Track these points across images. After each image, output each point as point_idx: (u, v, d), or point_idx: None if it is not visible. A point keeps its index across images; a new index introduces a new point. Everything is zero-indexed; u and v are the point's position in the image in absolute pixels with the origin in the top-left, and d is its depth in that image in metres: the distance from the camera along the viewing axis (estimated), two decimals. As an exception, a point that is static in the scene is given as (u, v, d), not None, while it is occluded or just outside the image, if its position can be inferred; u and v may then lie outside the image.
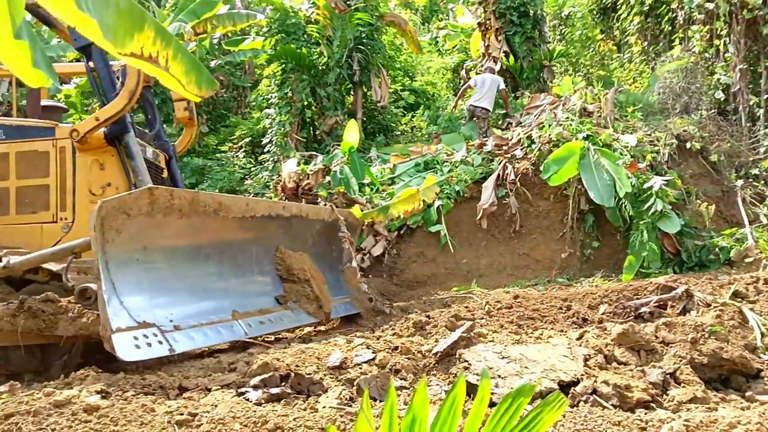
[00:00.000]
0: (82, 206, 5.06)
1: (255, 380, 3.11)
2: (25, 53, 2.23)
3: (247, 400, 2.86)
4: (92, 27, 2.13)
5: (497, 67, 12.07)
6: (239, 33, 14.46)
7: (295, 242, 5.32)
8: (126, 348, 3.37)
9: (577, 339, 3.86)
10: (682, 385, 3.16)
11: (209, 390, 3.11)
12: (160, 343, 3.57)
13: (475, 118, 10.32)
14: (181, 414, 2.47)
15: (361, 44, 11.21)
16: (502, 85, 10.57)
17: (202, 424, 2.37)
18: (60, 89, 13.02)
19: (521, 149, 8.63)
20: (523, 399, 1.08)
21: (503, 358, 3.32)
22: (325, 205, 7.43)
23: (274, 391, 2.99)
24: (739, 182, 8.03)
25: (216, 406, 2.63)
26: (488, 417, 1.14)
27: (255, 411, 2.49)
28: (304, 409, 2.67)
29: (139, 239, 3.77)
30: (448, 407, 1.09)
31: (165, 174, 6.17)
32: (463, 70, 14.44)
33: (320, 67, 11.24)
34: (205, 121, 13.85)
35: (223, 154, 12.99)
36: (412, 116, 13.18)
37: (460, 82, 14.89)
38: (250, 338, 4.33)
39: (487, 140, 9.22)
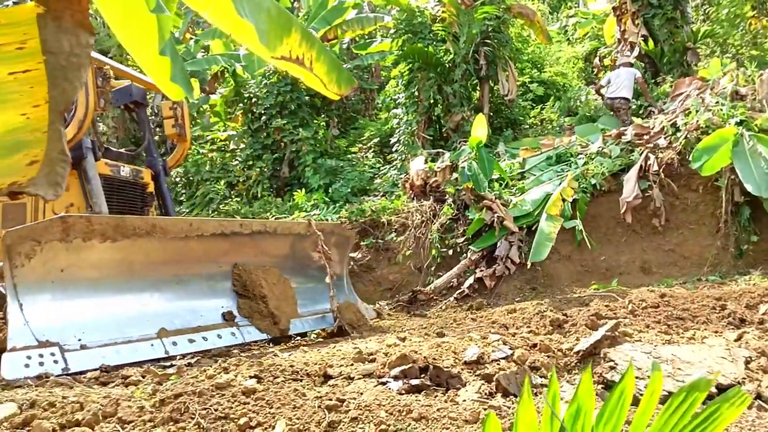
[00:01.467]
0: None
1: (395, 371, 3.19)
2: (165, 68, 2.47)
3: (389, 389, 2.95)
4: (249, 32, 2.31)
5: (635, 53, 11.36)
6: (367, 36, 14.86)
7: (262, 258, 5.32)
8: (12, 367, 3.50)
9: (736, 340, 3.56)
10: None
11: (352, 378, 3.24)
12: (56, 362, 3.70)
13: (613, 112, 9.81)
14: (330, 399, 2.61)
15: (487, 38, 11.05)
16: (639, 75, 9.93)
17: (350, 409, 2.48)
18: (208, 99, 14.14)
19: (665, 138, 8.04)
20: (698, 394, 1.02)
21: (653, 358, 3.13)
22: (341, 223, 7.37)
23: (414, 382, 3.05)
24: None
25: (361, 393, 2.73)
26: (659, 412, 1.09)
27: (399, 400, 2.57)
28: (446, 401, 2.70)
29: (54, 263, 3.95)
30: (616, 399, 1.05)
31: (150, 189, 6.53)
32: (596, 58, 13.76)
33: (446, 65, 11.23)
34: (336, 124, 14.39)
35: (353, 155, 13.42)
36: (542, 108, 12.78)
37: (593, 71, 14.20)
38: (175, 355, 4.34)
39: (626, 130, 8.70)
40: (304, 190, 11.34)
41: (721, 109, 7.71)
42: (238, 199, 12.29)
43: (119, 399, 2.74)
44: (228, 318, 4.95)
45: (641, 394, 2.73)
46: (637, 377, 2.85)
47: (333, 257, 5.93)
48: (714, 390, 2.76)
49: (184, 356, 4.43)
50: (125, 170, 6.23)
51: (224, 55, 14.46)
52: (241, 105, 13.22)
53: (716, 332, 4.00)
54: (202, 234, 4.81)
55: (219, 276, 5.09)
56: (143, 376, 3.40)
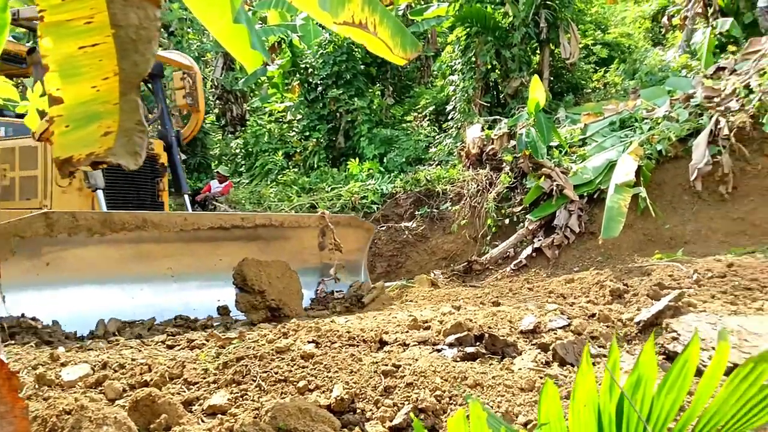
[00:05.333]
0: (56, 196, 5.62)
1: (450, 338, 3.21)
2: (243, 36, 2.48)
3: (444, 356, 2.97)
4: (310, -1, 2.29)
5: (711, 11, 10.69)
6: (423, 2, 14.59)
7: (267, 252, 5.17)
8: None
9: (811, 313, 3.38)
10: None
11: (407, 345, 3.28)
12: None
13: None
14: (386, 365, 2.65)
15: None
16: None
17: (405, 375, 2.51)
18: (266, 70, 14.30)
19: (737, 100, 7.58)
20: (765, 366, 0.97)
21: (719, 329, 3.01)
22: (365, 219, 7.09)
23: (469, 350, 3.05)
24: None
25: (416, 360, 2.76)
26: (724, 382, 1.05)
27: (454, 367, 2.58)
28: (501, 369, 2.70)
29: (38, 257, 3.99)
30: (679, 368, 1.02)
31: (162, 160, 6.46)
32: (665, 17, 13.04)
33: (505, 28, 10.91)
34: (391, 93, 14.30)
35: (408, 124, 13.34)
36: (605, 72, 12.28)
37: (660, 31, 13.50)
38: None
39: (695, 92, 8.26)
40: (358, 160, 11.39)
41: (801, 68, 7.20)
42: (296, 169, 12.47)
43: (185, 361, 2.87)
44: (223, 312, 4.94)
45: (705, 366, 2.64)
46: (700, 348, 2.75)
47: (351, 247, 5.91)
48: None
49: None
50: None
51: (281, 25, 14.54)
52: (297, 76, 13.32)
53: (789, 304, 3.81)
54: (199, 228, 4.80)
55: (218, 270, 5.03)
56: (207, 340, 3.54)
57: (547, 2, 10.60)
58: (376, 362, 2.72)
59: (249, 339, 3.47)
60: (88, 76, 1.76)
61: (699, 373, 2.10)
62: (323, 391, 2.53)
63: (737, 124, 7.23)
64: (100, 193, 5.55)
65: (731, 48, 10.04)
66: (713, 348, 2.87)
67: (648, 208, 7.11)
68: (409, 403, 2.32)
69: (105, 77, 1.78)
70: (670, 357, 2.88)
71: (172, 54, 7.52)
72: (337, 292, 5.90)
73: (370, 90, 13.03)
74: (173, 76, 7.32)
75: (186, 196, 7.00)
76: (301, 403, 2.24)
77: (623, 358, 2.90)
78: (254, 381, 2.64)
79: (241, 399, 2.49)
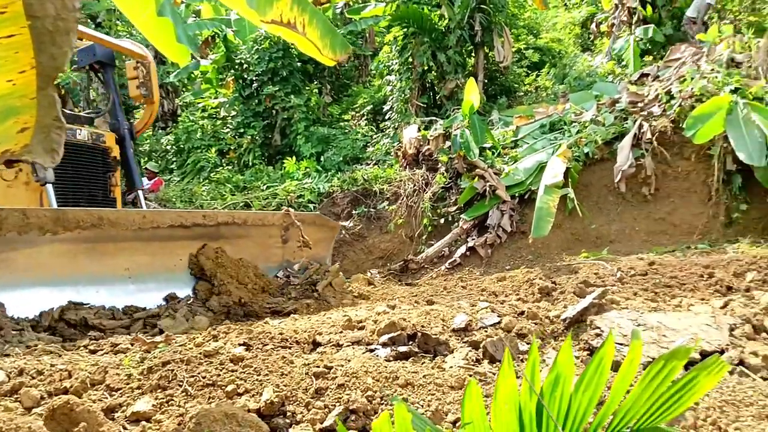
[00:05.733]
0: (1, 191, 5.32)
1: (384, 338, 3.21)
2: (168, 30, 2.39)
3: (377, 356, 2.96)
4: (238, -5, 2.23)
5: (633, 19, 11.22)
6: (361, 0, 14.58)
7: (230, 251, 5.11)
8: None
9: (722, 308, 3.59)
10: None
11: (340, 346, 3.26)
12: None
13: None
14: (318, 366, 2.61)
15: (483, 3, 10.86)
16: None
17: (337, 376, 2.49)
18: (199, 65, 13.91)
19: (659, 105, 7.98)
20: (677, 362, 1.01)
21: (639, 325, 3.16)
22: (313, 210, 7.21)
23: (402, 349, 3.07)
24: None
25: (349, 360, 2.74)
26: (637, 379, 1.09)
27: (386, 367, 2.58)
28: (432, 368, 2.72)
29: None
30: (595, 367, 1.05)
31: (113, 154, 6.24)
32: (593, 24, 13.57)
33: (441, 30, 11.06)
34: (329, 91, 14.22)
35: (346, 123, 13.30)
36: (537, 76, 12.65)
37: (589, 37, 14.03)
38: None
39: (620, 97, 8.63)
40: (295, 158, 11.26)
41: (716, 77, 7.63)
42: (230, 167, 12.21)
43: (107, 367, 2.75)
44: (169, 299, 4.82)
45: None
46: (622, 344, 2.87)
47: (315, 244, 5.85)
48: (698, 357, 2.78)
49: None
50: (82, 133, 5.90)
51: (215, 19, 14.17)
52: (232, 71, 13.03)
53: (703, 300, 4.03)
54: (158, 226, 4.63)
55: (178, 270, 4.89)
56: (132, 344, 3.41)
57: (482, 6, 10.82)
58: (308, 364, 2.68)
59: (176, 342, 3.36)
60: (4, 69, 1.65)
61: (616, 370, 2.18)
62: (252, 395, 2.47)
63: (659, 129, 7.61)
64: (49, 187, 5.21)
65: (648, 58, 10.55)
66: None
67: (576, 209, 7.37)
68: (340, 405, 2.30)
69: (21, 71, 1.67)
70: (594, 353, 2.99)
71: (124, 42, 7.19)
72: (294, 277, 5.82)
73: (307, 88, 12.90)
74: (126, 65, 7.01)
75: (140, 192, 6.72)
76: (228, 408, 2.18)
77: (550, 355, 2.98)
78: (180, 386, 2.55)
79: (166, 405, 2.40)
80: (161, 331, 4.13)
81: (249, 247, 5.39)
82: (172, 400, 2.43)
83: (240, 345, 3.16)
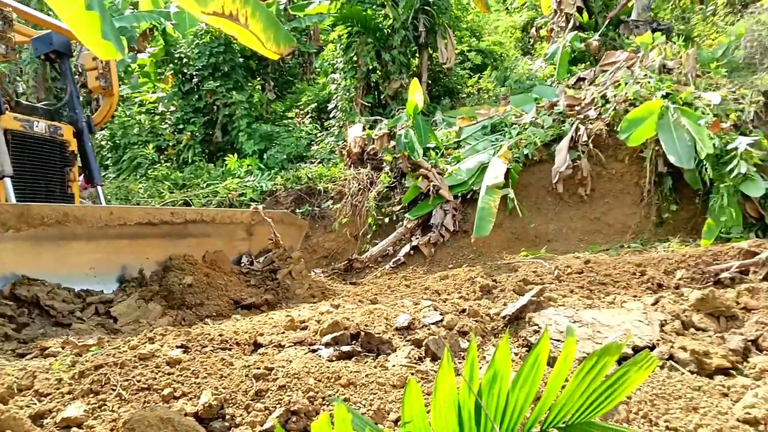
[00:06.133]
0: None
1: (326, 338, 3.18)
2: (95, 24, 2.29)
3: (319, 356, 2.94)
4: (176, -13, 2.16)
5: (570, 25, 11.57)
6: (305, -3, 14.46)
7: (197, 249, 5.10)
8: None
9: (653, 304, 3.74)
10: (765, 352, 3.00)
11: (282, 347, 3.21)
12: None
13: None
14: (258, 368, 2.57)
15: (427, 5, 10.97)
16: None
17: (278, 378, 2.45)
18: (137, 58, 13.46)
19: (595, 109, 8.27)
20: (609, 358, 1.04)
21: (575, 322, 3.25)
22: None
23: (345, 348, 3.05)
24: (833, 142, 7.42)
25: (290, 361, 2.71)
26: (572, 375, 1.11)
27: (328, 367, 2.56)
28: (375, 367, 2.72)
29: None
30: (531, 364, 1.07)
31: (71, 148, 6.07)
32: (533, 28, 13.92)
33: (385, 30, 11.10)
34: (272, 87, 14.02)
35: (290, 121, 13.16)
36: (479, 78, 12.87)
37: (529, 41, 14.37)
38: None
39: (558, 100, 8.89)
40: (237, 155, 11.05)
41: (649, 82, 7.97)
42: (168, 164, 11.86)
43: (36, 371, 2.63)
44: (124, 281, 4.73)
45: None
46: (559, 340, 2.95)
47: (284, 243, 5.81)
48: (630, 352, 2.89)
49: None
50: (39, 125, 5.66)
51: (153, 11, 13.75)
52: (171, 65, 12.67)
53: (635, 296, 4.19)
54: (125, 223, 4.49)
55: (146, 269, 4.80)
56: (62, 347, 3.26)
57: (426, 7, 10.92)
58: (249, 365, 2.63)
59: (110, 345, 3.23)
60: None
61: (553, 365, 2.24)
62: (190, 399, 2.41)
63: (595, 131, 7.88)
64: (8, 181, 4.96)
65: (580, 66, 10.90)
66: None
67: (516, 209, 7.55)
68: (281, 406, 2.26)
69: None
70: (531, 350, 3.06)
71: None
72: (256, 262, 5.76)
73: (249, 84, 12.68)
74: (84, 56, 6.70)
75: (99, 188, 6.44)
76: (163, 412, 2.11)
77: (490, 352, 3.03)
78: (114, 390, 2.46)
79: (98, 410, 2.31)
80: (115, 320, 4.00)
81: (216, 246, 5.31)
82: (105, 405, 2.34)
83: (177, 347, 3.07)
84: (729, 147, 6.76)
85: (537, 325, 3.23)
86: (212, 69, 12.04)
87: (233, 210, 6.09)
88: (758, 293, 3.70)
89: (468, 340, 3.34)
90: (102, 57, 2.36)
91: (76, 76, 6.99)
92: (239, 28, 2.55)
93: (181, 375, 2.60)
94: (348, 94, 11.40)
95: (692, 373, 2.66)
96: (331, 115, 12.02)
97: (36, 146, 5.66)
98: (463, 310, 3.88)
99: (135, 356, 2.78)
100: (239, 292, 5.00)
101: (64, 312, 3.95)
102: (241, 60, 12.34)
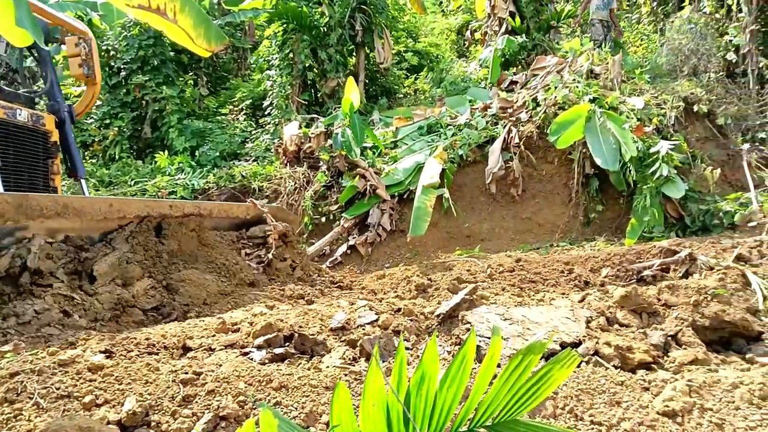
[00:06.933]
0: None
1: (259, 340, 3.11)
2: (8, 11, 2.16)
3: (251, 359, 2.87)
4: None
5: (503, 29, 11.84)
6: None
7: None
8: None
9: (580, 301, 3.86)
10: (684, 347, 3.16)
11: (213, 350, 3.12)
12: None
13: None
14: (186, 373, 2.48)
15: (363, 4, 10.98)
16: (615, 4, 10.59)
17: (206, 382, 2.37)
18: (60, 50, 12.79)
19: (526, 112, 8.52)
20: (533, 356, 1.06)
21: (506, 319, 3.32)
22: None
23: (278, 351, 2.99)
24: (745, 146, 7.95)
25: (220, 365, 2.63)
26: (498, 374, 1.13)
27: (259, 370, 2.50)
28: (308, 369, 2.68)
29: None
30: (458, 364, 1.07)
31: (54, 138, 5.80)
32: (468, 32, 14.18)
33: (322, 28, 11.03)
34: (205, 83, 13.67)
35: (223, 117, 12.86)
36: (416, 78, 12.99)
37: (464, 44, 14.63)
38: None
39: (491, 103, 9.10)
40: (167, 152, 10.70)
41: (577, 87, 8.28)
42: (94, 160, 11.35)
43: (-57, 381, 2.44)
44: None
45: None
46: (490, 338, 3.00)
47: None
48: (558, 348, 2.98)
49: None
50: (23, 114, 5.28)
51: (80, 1, 13.10)
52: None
53: (563, 294, 4.33)
54: (125, 216, 4.31)
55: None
56: (-27, 355, 3.05)
57: (362, 6, 10.92)
58: (176, 370, 2.54)
59: (26, 352, 3.05)
60: None
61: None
62: (113, 406, 2.30)
63: (526, 134, 8.11)
64: None
65: (512, 70, 11.21)
66: (502, 337, 3.16)
67: (451, 208, 7.67)
68: (209, 412, 2.19)
69: None
70: (459, 349, 3.10)
71: (62, 15, 6.40)
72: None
73: (181, 79, 12.31)
74: (66, 41, 6.31)
75: (83, 182, 6.08)
76: (83, 421, 2.01)
77: (423, 350, 3.05)
78: (31, 399, 2.32)
79: (13, 420, 2.16)
80: (93, 279, 3.82)
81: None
82: (21, 414, 2.20)
83: (100, 352, 2.92)
84: (651, 150, 7.11)
85: (470, 323, 3.28)
86: (141, 62, 11.61)
87: (229, 204, 5.97)
88: (678, 290, 3.88)
89: (404, 339, 3.35)
90: (16, 44, 2.22)
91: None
92: (167, 23, 2.46)
93: (104, 381, 2.49)
94: (284, 91, 11.26)
95: (616, 368, 2.76)
96: (266, 113, 11.83)
97: (19, 136, 5.27)
98: (399, 310, 3.90)
99: (54, 362, 2.64)
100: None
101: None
102: (172, 54, 11.96)
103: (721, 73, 9.12)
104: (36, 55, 6.11)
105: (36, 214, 3.75)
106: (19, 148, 5.31)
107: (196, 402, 2.28)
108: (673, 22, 9.99)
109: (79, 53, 6.23)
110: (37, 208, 3.75)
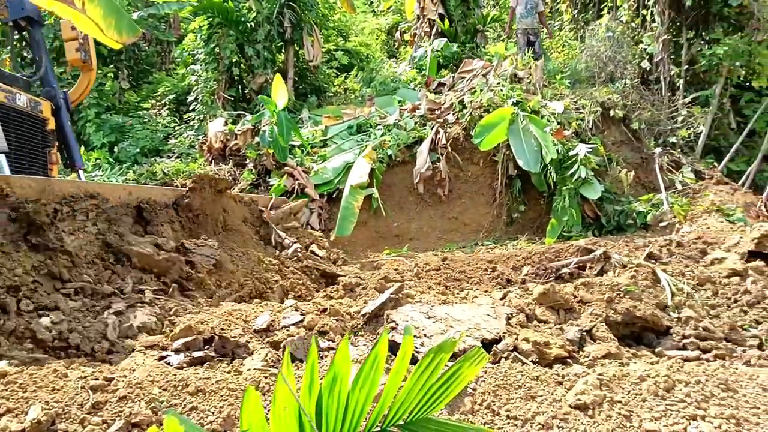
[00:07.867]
0: None
1: (177, 344, 3.01)
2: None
3: (168, 364, 2.77)
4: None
5: (433, 31, 12.01)
6: (163, -17, 13.66)
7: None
8: None
9: (501, 299, 3.96)
10: (598, 341, 3.30)
11: (129, 353, 2.99)
12: None
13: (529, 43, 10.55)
14: (96, 379, 2.36)
15: (292, 1, 10.84)
16: (542, 7, 10.76)
17: (118, 388, 2.27)
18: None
19: (453, 114, 8.67)
20: (444, 354, 1.07)
21: (429, 317, 3.36)
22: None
23: (197, 354, 2.90)
24: (658, 150, 8.41)
25: (134, 370, 2.53)
26: (410, 373, 1.13)
27: (175, 375, 2.41)
28: (228, 372, 2.62)
29: None
30: (371, 364, 1.07)
31: (50, 126, 5.55)
32: (398, 32, 14.29)
33: (249, 23, 10.80)
34: (126, 76, 13.11)
35: (145, 112, 12.37)
36: (346, 77, 12.97)
37: (394, 44, 14.74)
38: None
39: (420, 104, 9.21)
40: (84, 148, 10.18)
41: (501, 90, 8.51)
42: (2, 155, 10.64)
43: None
44: None
45: (418, 353, 2.88)
46: (415, 336, 3.03)
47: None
48: (479, 344, 3.04)
49: None
50: (22, 98, 4.94)
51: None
52: (8, 48, 11.37)
53: (486, 292, 4.43)
54: (144, 202, 4.15)
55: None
56: None
57: (291, 3, 10.79)
58: (86, 376, 2.41)
59: None
60: None
61: (414, 360, 2.28)
62: (16, 415, 2.16)
63: (453, 135, 8.26)
64: (2, 158, 4.36)
65: (444, 72, 11.41)
66: (425, 335, 3.19)
67: (380, 208, 7.70)
68: (121, 419, 2.09)
69: None
70: (391, 347, 3.11)
71: None
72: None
73: (100, 71, 11.74)
74: (62, 25, 5.91)
75: (81, 172, 5.68)
76: (-21, 435, 1.87)
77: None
78: None
79: None
80: None
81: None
82: None
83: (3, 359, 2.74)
84: (570, 153, 7.40)
85: (394, 321, 3.29)
86: (57, 53, 10.99)
87: (242, 194, 5.83)
88: (593, 287, 4.06)
89: (328, 340, 3.33)
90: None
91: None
92: (75, 12, 2.33)
93: (7, 389, 2.33)
94: (209, 86, 10.96)
95: (534, 363, 2.84)
96: (190, 108, 11.48)
97: (19, 121, 4.91)
98: (325, 310, 3.87)
99: (-50, 372, 2.45)
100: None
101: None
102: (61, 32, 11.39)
103: (636, 80, 9.61)
104: (29, 38, 5.70)
105: (59, 198, 3.55)
106: (19, 135, 4.98)
107: (107, 409, 2.18)
108: (592, 29, 10.45)
109: (76, 37, 5.91)
110: (60, 194, 3.57)
